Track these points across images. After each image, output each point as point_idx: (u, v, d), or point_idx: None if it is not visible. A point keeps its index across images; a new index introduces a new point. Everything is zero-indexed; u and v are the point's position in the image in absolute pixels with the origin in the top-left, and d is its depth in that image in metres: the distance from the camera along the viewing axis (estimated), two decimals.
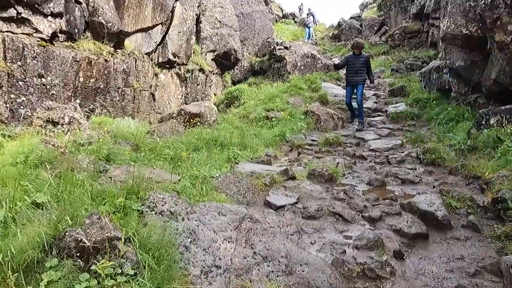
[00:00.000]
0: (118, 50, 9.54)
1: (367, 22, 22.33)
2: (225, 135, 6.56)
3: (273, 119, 9.42)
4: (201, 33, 13.21)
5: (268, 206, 3.81)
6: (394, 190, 4.41)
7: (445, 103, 8.55)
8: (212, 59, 13.79)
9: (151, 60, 10.88)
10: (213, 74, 13.98)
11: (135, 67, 9.87)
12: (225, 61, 14.29)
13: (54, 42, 7.80)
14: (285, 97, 11.32)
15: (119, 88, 9.23)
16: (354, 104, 9.02)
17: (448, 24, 7.50)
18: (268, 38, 17.11)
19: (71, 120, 6.08)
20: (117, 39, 9.28)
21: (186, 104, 12.63)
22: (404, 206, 3.79)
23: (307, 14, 23.68)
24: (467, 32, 7.18)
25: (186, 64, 12.30)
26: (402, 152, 6.45)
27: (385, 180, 4.70)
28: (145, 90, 10.44)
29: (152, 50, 11.03)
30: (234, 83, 15.90)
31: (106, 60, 8.56)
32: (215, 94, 14.30)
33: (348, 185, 4.53)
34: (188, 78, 12.36)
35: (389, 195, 4.17)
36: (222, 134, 6.86)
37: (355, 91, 8.75)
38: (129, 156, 4.21)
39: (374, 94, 11.43)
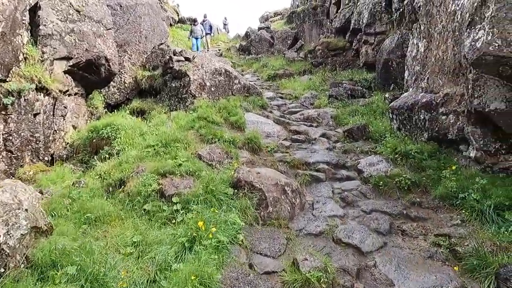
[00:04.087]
0: None
1: (279, 35, 19.46)
2: None
3: (173, 199, 4.85)
4: (41, 28, 7.69)
5: None
6: None
7: (455, 164, 5.36)
8: (65, 71, 8.32)
9: None
10: (69, 95, 8.51)
11: None
12: (90, 75, 8.95)
13: None
14: (192, 140, 6.81)
15: None
16: None
17: (489, 38, 4.23)
18: (161, 44, 12.30)
19: None
20: None
21: (9, 151, 6.95)
22: None
23: (194, 21, 17.92)
24: None
25: (4, 81, 6.67)
26: None
27: None
28: None
29: None
30: (110, 107, 10.55)
31: None
32: (74, 128, 8.79)
33: None
34: (10, 105, 6.73)
35: None
36: None
37: None
38: None
39: (322, 134, 7.83)
